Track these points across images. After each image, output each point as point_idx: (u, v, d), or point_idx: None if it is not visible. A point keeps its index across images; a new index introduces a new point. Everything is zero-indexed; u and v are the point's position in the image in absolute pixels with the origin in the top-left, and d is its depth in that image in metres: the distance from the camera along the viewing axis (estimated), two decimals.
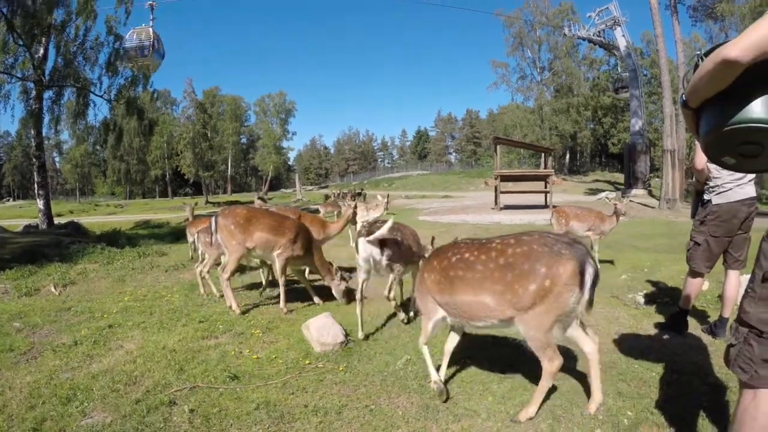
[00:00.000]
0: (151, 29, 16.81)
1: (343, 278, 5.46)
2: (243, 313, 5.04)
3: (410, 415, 2.91)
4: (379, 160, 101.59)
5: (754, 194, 3.94)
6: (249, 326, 4.62)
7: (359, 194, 24.18)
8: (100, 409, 3.01)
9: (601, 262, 7.54)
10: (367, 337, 4.27)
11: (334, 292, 5.41)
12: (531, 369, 3.49)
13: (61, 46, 17.92)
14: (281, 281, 5.21)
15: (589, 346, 2.90)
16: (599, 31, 33.36)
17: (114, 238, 13.12)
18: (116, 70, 19.33)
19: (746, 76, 1.58)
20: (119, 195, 65.17)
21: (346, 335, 4.12)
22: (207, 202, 44.59)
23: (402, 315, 4.72)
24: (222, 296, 5.46)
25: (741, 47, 1.52)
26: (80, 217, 28.64)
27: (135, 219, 27.67)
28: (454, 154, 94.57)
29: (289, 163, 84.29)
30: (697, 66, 1.80)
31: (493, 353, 3.85)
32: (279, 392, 3.22)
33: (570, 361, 3.61)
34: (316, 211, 16.15)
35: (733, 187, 3.89)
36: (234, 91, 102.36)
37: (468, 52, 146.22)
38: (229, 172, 67.61)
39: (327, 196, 24.10)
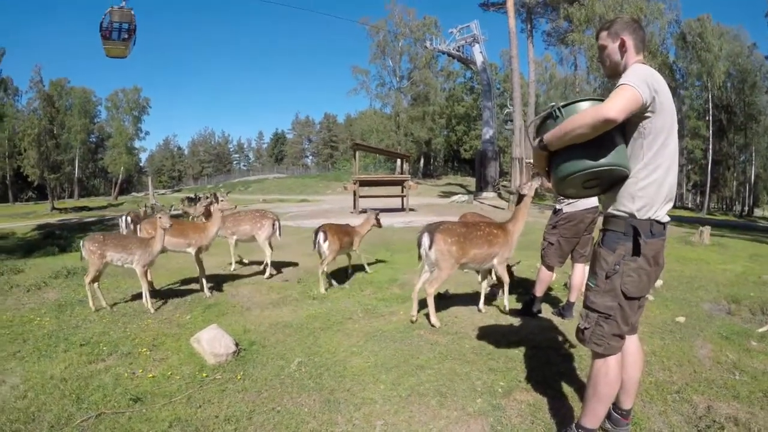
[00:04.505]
0: (132, 11, 14.74)
1: None
2: (124, 331, 4.86)
3: (316, 411, 3.18)
4: (235, 162, 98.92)
5: (597, 204, 4.80)
6: (134, 345, 4.46)
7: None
8: None
9: None
10: (254, 344, 4.43)
11: None
12: (413, 357, 4.01)
13: None
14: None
15: None
16: (459, 47, 35.92)
17: None
18: None
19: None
20: None
21: (237, 344, 4.19)
22: (53, 208, 38.38)
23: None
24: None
25: (618, 110, 2.02)
26: None
27: None
28: (311, 157, 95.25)
29: (141, 164, 78.05)
30: (550, 115, 2.29)
31: (375, 346, 4.28)
32: (186, 407, 3.25)
33: (447, 347, 4.19)
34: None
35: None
36: (84, 83, 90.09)
37: (329, 57, 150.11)
38: (76, 174, 60.01)
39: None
